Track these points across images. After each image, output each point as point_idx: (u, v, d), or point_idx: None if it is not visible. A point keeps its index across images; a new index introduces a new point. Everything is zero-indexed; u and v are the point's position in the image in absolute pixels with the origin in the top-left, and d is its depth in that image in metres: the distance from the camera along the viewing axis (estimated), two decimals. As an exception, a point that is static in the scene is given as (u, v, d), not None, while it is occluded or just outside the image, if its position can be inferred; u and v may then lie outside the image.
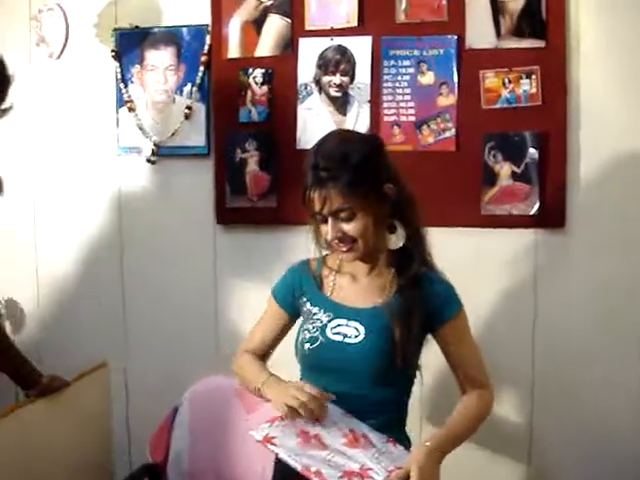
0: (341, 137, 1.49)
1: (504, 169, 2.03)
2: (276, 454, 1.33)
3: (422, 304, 1.46)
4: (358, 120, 2.12)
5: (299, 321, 1.64)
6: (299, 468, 1.29)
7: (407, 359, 1.46)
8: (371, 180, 1.43)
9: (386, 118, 2.11)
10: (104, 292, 2.44)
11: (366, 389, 1.48)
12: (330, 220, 1.43)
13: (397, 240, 1.48)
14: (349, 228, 1.43)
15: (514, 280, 2.08)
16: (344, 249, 1.46)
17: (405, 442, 1.53)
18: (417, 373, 1.56)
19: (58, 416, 2.04)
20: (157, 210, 2.36)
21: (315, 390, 1.41)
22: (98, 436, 2.33)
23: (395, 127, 2.11)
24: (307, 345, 1.50)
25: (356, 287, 1.55)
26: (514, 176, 2.03)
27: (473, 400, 1.48)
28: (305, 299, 1.58)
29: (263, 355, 1.67)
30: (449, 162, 2.06)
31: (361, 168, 1.40)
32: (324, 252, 1.59)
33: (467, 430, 1.45)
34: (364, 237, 1.44)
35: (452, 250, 2.05)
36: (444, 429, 1.41)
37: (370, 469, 1.29)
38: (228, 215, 2.27)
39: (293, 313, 1.63)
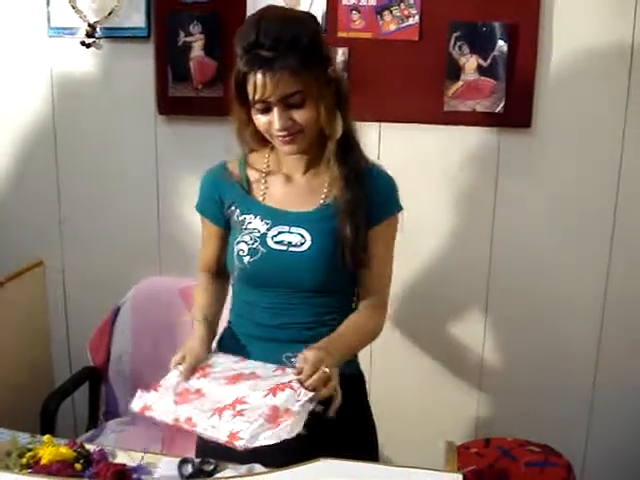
0: (282, 14, 1.36)
1: (470, 62, 1.95)
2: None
3: (367, 198, 1.37)
4: (314, 2, 1.99)
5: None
6: (170, 423, 1.23)
7: (358, 259, 1.38)
8: (320, 61, 1.33)
9: (344, 1, 1.98)
10: (37, 185, 2.33)
11: (311, 298, 1.40)
12: (277, 108, 1.31)
13: (339, 129, 1.37)
14: (298, 116, 1.32)
15: (474, 181, 2.03)
16: (287, 139, 1.34)
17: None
18: None
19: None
20: (93, 99, 2.22)
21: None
22: (36, 339, 2.29)
23: (354, 12, 1.99)
24: (247, 259, 1.39)
25: (292, 189, 1.43)
26: (480, 70, 1.95)
27: (367, 317, 1.42)
28: (233, 207, 1.44)
29: (220, 269, 1.53)
30: (411, 52, 1.97)
31: (312, 48, 1.30)
32: (246, 151, 1.47)
33: (359, 344, 1.41)
34: (312, 126, 1.33)
35: (411, 147, 1.99)
36: (335, 335, 1.35)
37: (245, 396, 1.23)
38: (170, 105, 2.15)
39: (226, 225, 1.49)
